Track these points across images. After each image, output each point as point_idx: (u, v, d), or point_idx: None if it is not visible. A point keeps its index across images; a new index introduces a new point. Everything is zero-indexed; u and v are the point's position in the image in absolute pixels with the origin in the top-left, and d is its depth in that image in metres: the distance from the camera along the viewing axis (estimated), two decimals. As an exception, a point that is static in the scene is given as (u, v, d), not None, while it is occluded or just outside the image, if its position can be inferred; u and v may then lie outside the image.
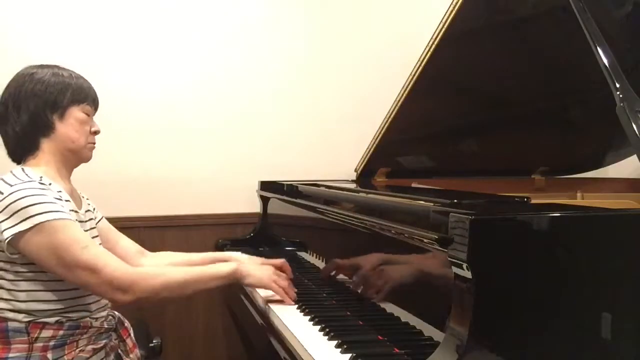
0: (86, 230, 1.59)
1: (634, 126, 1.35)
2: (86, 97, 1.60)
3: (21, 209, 1.41)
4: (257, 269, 1.67)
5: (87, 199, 1.72)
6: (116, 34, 2.56)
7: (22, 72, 1.57)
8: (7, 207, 1.42)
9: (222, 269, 1.61)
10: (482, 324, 1.05)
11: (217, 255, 1.93)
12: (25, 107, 1.53)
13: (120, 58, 2.55)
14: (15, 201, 1.41)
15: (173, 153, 2.67)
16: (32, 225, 1.40)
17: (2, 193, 1.44)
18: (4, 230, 1.41)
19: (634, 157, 1.37)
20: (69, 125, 1.56)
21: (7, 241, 1.41)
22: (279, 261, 1.92)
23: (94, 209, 1.73)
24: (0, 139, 1.59)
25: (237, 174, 2.73)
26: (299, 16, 2.78)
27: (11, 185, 1.45)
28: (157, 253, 1.92)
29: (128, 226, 2.48)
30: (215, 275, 1.59)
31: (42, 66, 1.58)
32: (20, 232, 1.40)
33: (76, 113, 1.57)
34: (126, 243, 1.85)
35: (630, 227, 1.17)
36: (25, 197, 1.42)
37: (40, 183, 1.47)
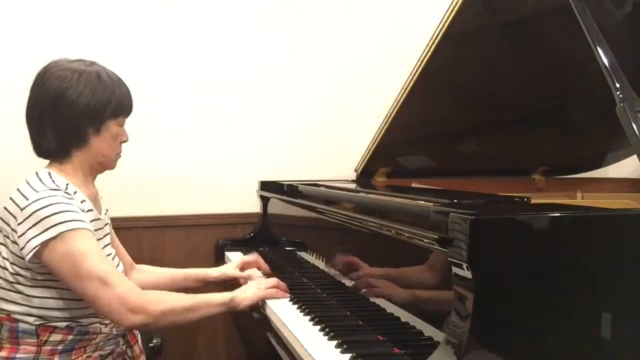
0: (106, 235, 1.62)
1: (634, 126, 1.35)
2: (124, 110, 1.58)
3: (45, 217, 1.40)
4: (247, 291, 1.67)
5: (101, 198, 1.72)
6: (114, 34, 2.56)
7: (63, 70, 1.49)
8: (31, 214, 1.41)
9: (220, 297, 1.60)
10: (482, 324, 1.05)
11: (198, 273, 1.96)
12: (64, 117, 1.49)
13: (119, 58, 2.54)
14: (39, 209, 1.40)
15: (173, 153, 2.67)
16: (56, 233, 1.39)
17: (27, 199, 1.43)
18: (31, 239, 1.40)
19: (634, 157, 1.37)
20: (102, 140, 1.54)
21: (34, 251, 1.40)
22: (252, 259, 2.00)
23: (107, 211, 1.73)
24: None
25: (237, 174, 2.72)
26: (300, 15, 2.78)
27: (37, 192, 1.44)
28: (142, 266, 1.93)
29: (128, 226, 2.49)
30: (215, 303, 1.58)
31: (85, 70, 1.51)
32: (45, 241, 1.39)
33: (111, 127, 1.55)
34: (123, 255, 1.84)
35: (630, 227, 1.17)
36: (50, 205, 1.41)
37: (65, 192, 1.46)
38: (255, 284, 1.73)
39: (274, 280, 1.74)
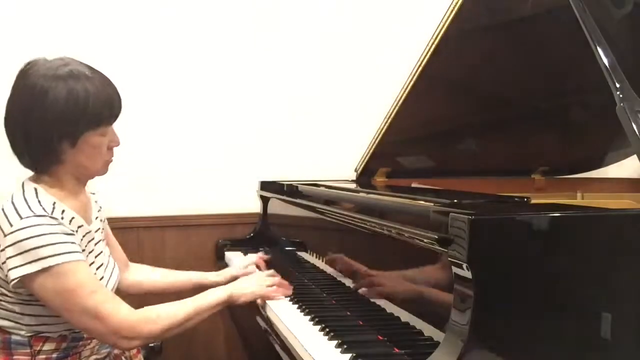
0: (98, 243, 1.56)
1: (634, 126, 1.35)
2: (102, 120, 1.44)
3: (31, 249, 1.34)
4: (245, 286, 1.66)
5: (94, 194, 1.68)
6: (114, 33, 2.56)
7: (35, 79, 1.39)
8: (15, 243, 1.34)
9: (217, 297, 1.58)
10: (482, 324, 1.05)
11: (198, 278, 1.91)
12: (34, 134, 1.40)
13: (119, 57, 2.55)
14: (25, 239, 1.34)
15: (173, 153, 2.67)
16: (41, 267, 1.34)
17: (12, 225, 1.36)
18: (12, 268, 1.35)
19: (634, 157, 1.37)
20: (81, 153, 1.43)
21: (16, 281, 1.35)
22: (254, 260, 1.99)
23: (100, 209, 1.68)
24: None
25: (237, 174, 2.73)
26: (300, 15, 2.78)
27: (21, 218, 1.36)
28: (137, 266, 1.90)
29: (128, 226, 2.50)
30: (212, 305, 1.56)
31: (56, 75, 1.39)
32: (29, 273, 1.34)
33: (90, 139, 1.43)
34: (118, 254, 1.81)
35: (630, 227, 1.17)
36: (36, 236, 1.34)
37: (51, 217, 1.38)
38: (255, 279, 1.72)
39: (275, 279, 1.73)
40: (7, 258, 1.35)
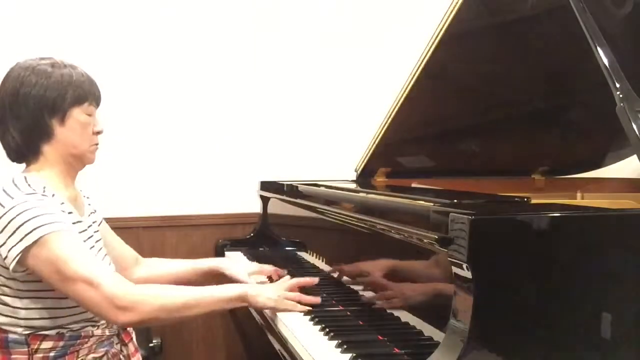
0: (89, 237, 1.56)
1: (634, 126, 1.35)
2: (87, 96, 1.51)
3: (22, 224, 1.37)
4: (262, 293, 1.55)
5: (88, 197, 1.69)
6: (116, 33, 2.56)
7: (18, 69, 1.49)
8: (8, 223, 1.38)
9: (230, 292, 1.51)
10: (482, 324, 1.05)
11: (209, 265, 1.87)
12: (23, 112, 1.46)
13: (119, 56, 2.55)
14: (16, 217, 1.37)
15: (173, 153, 2.67)
16: (34, 239, 1.36)
17: (4, 207, 1.39)
18: (11, 248, 1.37)
19: (634, 157, 1.37)
20: (70, 130, 1.49)
21: (16, 259, 1.37)
22: (268, 269, 1.90)
23: (94, 211, 1.69)
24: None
25: (237, 174, 2.73)
26: (300, 15, 2.78)
27: (12, 198, 1.40)
28: (148, 260, 1.87)
29: (128, 226, 2.49)
30: (222, 298, 1.49)
31: (39, 64, 1.49)
32: (25, 248, 1.36)
33: (77, 115, 1.50)
34: (124, 250, 1.81)
35: (630, 227, 1.17)
36: (25, 211, 1.38)
37: (42, 195, 1.42)
38: (275, 288, 1.61)
39: (295, 295, 1.61)
40: (6, 239, 1.38)
